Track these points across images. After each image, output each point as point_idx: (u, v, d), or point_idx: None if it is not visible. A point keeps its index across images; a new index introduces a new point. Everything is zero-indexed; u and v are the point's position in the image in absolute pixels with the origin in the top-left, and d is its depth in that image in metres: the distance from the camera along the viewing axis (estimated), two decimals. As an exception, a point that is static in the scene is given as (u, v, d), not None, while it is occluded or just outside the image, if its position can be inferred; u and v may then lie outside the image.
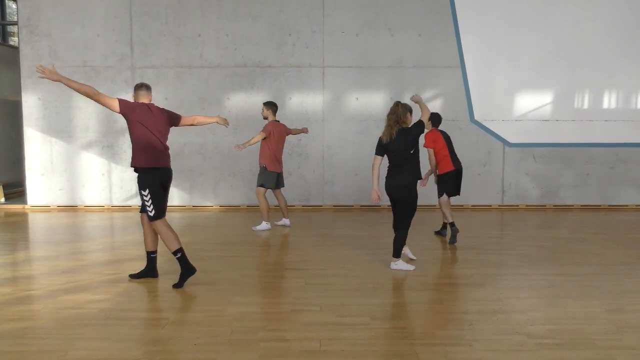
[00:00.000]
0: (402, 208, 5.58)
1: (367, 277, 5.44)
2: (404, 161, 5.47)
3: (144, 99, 5.16)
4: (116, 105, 4.90)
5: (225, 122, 5.70)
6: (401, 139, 5.43)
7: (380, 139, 5.56)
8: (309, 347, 3.74)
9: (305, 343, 3.80)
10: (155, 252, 5.34)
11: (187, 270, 5.11)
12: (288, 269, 5.72)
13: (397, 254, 5.66)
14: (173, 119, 5.28)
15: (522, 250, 6.56)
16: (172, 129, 5.32)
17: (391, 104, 5.61)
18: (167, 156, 5.18)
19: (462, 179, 7.30)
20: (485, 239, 7.25)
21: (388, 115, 5.52)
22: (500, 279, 5.47)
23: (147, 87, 5.24)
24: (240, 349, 3.72)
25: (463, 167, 7.28)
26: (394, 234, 5.69)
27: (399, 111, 5.46)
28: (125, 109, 4.94)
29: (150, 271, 5.35)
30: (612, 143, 9.73)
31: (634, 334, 4.01)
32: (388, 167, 5.60)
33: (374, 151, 5.60)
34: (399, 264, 5.66)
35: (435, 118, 7.52)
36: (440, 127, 7.31)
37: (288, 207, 7.96)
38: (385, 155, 5.56)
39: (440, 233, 7.47)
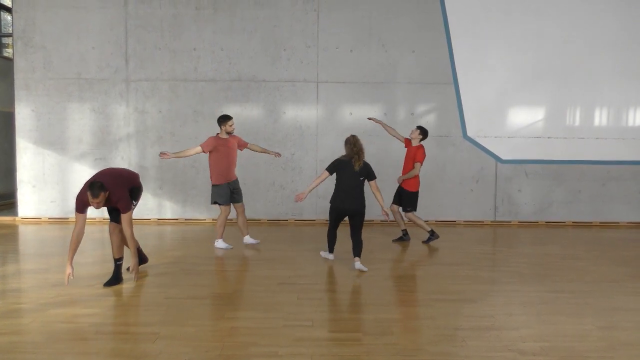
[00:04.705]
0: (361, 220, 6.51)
1: (359, 292, 5.44)
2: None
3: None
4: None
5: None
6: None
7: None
8: (301, 363, 3.72)
9: (297, 359, 3.77)
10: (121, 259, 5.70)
11: (116, 278, 5.60)
12: (280, 283, 5.70)
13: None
14: None
15: (515, 267, 6.57)
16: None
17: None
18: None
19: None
20: (477, 255, 7.26)
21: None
22: (493, 296, 5.47)
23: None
24: (231, 364, 3.70)
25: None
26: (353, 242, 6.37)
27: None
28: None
29: (117, 278, 5.64)
30: (604, 160, 9.82)
31: (625, 351, 4.01)
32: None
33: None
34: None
35: (425, 132, 7.75)
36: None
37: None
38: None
39: (402, 239, 8.06)
